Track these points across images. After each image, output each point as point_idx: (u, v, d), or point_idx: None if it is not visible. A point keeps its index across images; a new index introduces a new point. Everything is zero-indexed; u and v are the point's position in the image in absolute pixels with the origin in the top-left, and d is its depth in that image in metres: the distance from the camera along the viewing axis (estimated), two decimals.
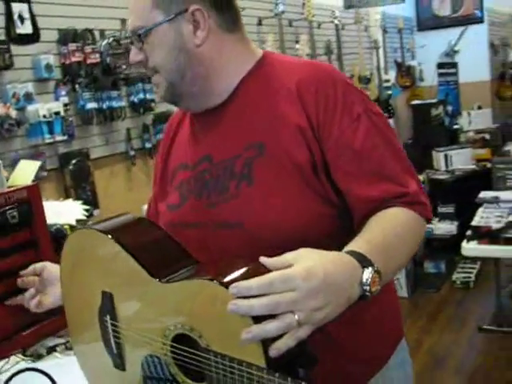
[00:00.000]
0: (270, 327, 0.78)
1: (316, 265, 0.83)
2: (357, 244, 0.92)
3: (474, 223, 3.43)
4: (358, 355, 1.11)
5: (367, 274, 0.86)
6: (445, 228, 4.52)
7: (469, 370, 3.16)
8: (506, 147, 4.47)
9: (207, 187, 1.12)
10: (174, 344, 0.92)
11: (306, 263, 0.82)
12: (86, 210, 2.41)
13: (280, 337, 0.80)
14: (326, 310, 0.82)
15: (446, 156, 5.23)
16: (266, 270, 0.85)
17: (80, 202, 2.48)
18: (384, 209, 1.01)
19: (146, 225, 1.05)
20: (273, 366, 0.81)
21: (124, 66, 3.38)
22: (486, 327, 3.53)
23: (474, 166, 5.12)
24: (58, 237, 1.72)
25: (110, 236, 0.98)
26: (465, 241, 3.41)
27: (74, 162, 3.25)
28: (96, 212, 3.35)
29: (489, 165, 4.91)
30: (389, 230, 0.98)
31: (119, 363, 1.03)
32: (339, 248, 0.93)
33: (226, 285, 0.82)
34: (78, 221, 2.21)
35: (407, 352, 1.25)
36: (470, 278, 4.24)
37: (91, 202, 3.55)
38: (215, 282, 0.84)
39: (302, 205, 1.04)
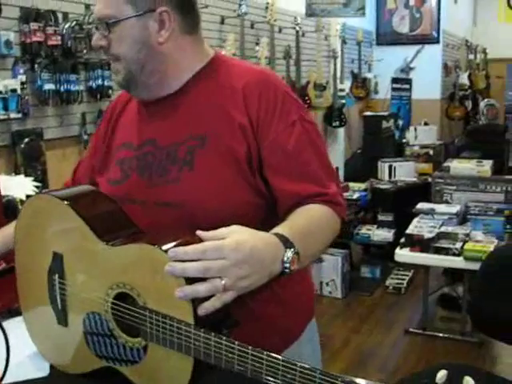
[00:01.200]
0: (200, 288, 0.91)
1: (245, 239, 0.95)
2: (282, 228, 1.05)
3: (408, 231, 3.62)
4: (276, 328, 1.25)
5: (289, 253, 1.00)
6: (382, 235, 4.71)
7: (391, 369, 3.35)
8: (446, 163, 4.70)
9: (150, 168, 1.21)
10: (115, 301, 1.02)
11: (237, 237, 0.95)
12: (37, 187, 2.46)
13: (208, 299, 0.92)
14: (249, 279, 0.94)
15: (390, 167, 5.45)
16: (201, 241, 0.97)
17: (31, 178, 2.53)
18: (306, 204, 1.15)
19: (98, 195, 1.15)
20: (200, 323, 0.93)
21: (85, 51, 3.43)
22: (411, 330, 3.73)
23: (415, 179, 5.35)
24: (9, 207, 1.79)
25: (65, 202, 1.08)
26: (398, 247, 3.60)
27: (26, 140, 3.26)
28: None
29: (429, 179, 5.15)
30: (309, 220, 1.12)
31: (63, 320, 1.12)
32: (266, 231, 1.05)
33: (165, 249, 0.94)
34: (28, 196, 2.27)
35: (316, 331, 1.40)
36: (402, 284, 4.46)
37: (41, 181, 3.56)
38: (156, 246, 0.96)
39: (235, 193, 1.17)
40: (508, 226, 3.87)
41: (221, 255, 0.92)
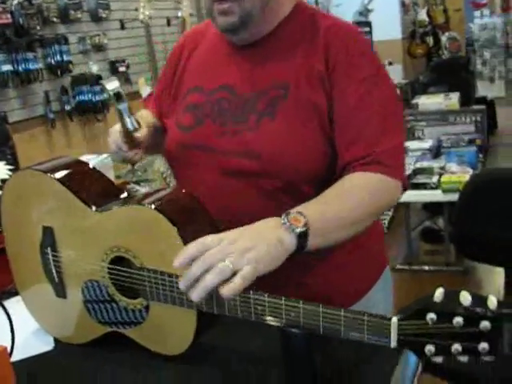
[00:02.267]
0: (207, 279, 0.85)
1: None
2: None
3: None
4: (353, 276, 1.24)
5: (286, 216, 0.94)
6: None
7: None
8: (414, 100, 4.73)
9: (224, 115, 1.18)
10: (112, 266, 1.03)
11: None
12: (10, 170, 2.43)
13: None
14: (256, 248, 0.88)
15: None
16: (187, 194, 0.98)
17: (3, 162, 2.49)
18: (348, 173, 1.09)
19: (81, 164, 1.14)
20: None
21: (38, 27, 3.35)
22: (398, 267, 3.82)
23: None
24: None
25: (49, 174, 1.07)
26: None
27: None
28: None
29: None
30: (332, 193, 1.05)
31: (61, 292, 1.12)
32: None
33: (159, 208, 0.94)
34: (2, 180, 2.24)
35: (390, 278, 1.37)
36: (383, 224, 4.54)
37: (12, 165, 3.51)
38: (146, 206, 0.96)
39: (315, 148, 1.13)
40: (480, 155, 3.95)
41: (216, 243, 0.88)
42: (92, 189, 1.07)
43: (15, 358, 1.07)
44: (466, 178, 3.40)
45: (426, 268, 3.75)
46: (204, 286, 0.85)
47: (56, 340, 1.18)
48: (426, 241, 4.06)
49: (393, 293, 1.40)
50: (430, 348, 0.79)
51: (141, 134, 1.23)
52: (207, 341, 1.03)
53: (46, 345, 1.17)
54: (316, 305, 0.84)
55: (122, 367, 1.05)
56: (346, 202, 1.04)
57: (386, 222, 4.53)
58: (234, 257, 0.86)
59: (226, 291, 0.84)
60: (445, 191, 3.41)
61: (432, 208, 3.99)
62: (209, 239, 0.88)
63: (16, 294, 1.43)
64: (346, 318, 0.82)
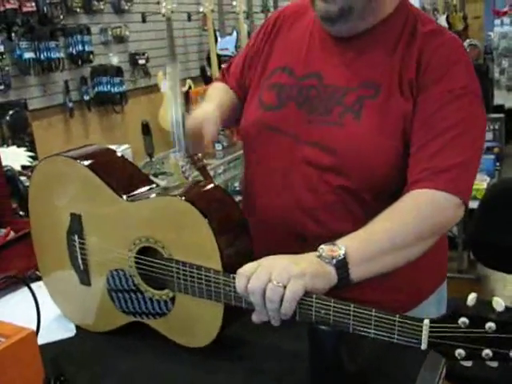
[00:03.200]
0: (269, 309, 0.88)
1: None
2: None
3: None
4: (404, 287, 1.17)
5: (320, 248, 0.92)
6: None
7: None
8: None
9: (311, 103, 1.14)
10: (139, 256, 1.03)
11: None
12: (31, 157, 2.44)
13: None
14: (297, 266, 0.88)
15: None
16: (218, 188, 0.99)
17: (24, 148, 2.51)
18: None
19: (111, 153, 1.14)
20: (227, 269, 0.94)
21: (62, 16, 3.36)
22: None
23: None
24: (9, 178, 1.78)
25: (79, 161, 1.07)
26: None
27: (11, 112, 3.22)
28: (34, 163, 3.35)
29: None
30: (381, 217, 1.00)
31: (85, 279, 1.13)
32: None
33: (190, 200, 0.94)
34: (22, 167, 2.25)
35: (445, 295, 1.33)
36: None
37: (29, 152, 3.52)
38: (178, 197, 0.96)
39: (392, 153, 1.08)
40: (497, 164, 3.92)
41: (253, 269, 0.89)
42: (122, 177, 1.07)
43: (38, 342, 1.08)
44: (484, 185, 3.38)
45: None
46: (272, 314, 0.88)
47: (77, 327, 1.18)
48: None
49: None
50: (460, 352, 0.78)
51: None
52: (231, 334, 1.03)
53: (67, 331, 1.18)
54: (347, 303, 0.84)
55: (143, 357, 1.05)
56: (390, 228, 0.98)
57: None
58: (275, 273, 0.87)
59: (284, 311, 0.87)
60: None
61: None
62: (248, 265, 0.90)
63: (37, 279, 1.44)
64: (377, 318, 0.82)
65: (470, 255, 3.83)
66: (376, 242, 0.96)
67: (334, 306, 0.84)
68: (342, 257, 0.91)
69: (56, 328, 1.19)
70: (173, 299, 1.02)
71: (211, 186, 1.01)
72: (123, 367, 1.04)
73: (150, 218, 1.00)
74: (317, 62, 1.17)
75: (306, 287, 0.86)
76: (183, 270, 0.97)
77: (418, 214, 1.00)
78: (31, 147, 3.53)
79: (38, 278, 1.43)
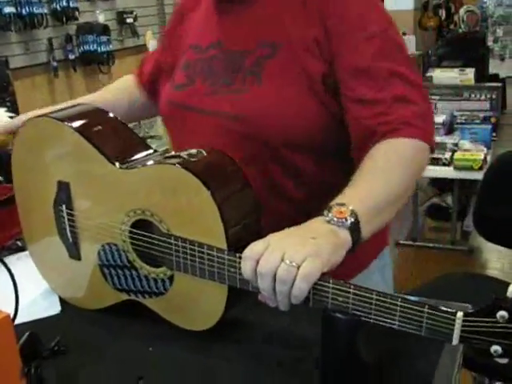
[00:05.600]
0: (279, 291, 0.77)
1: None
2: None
3: None
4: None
5: (328, 213, 0.83)
6: None
7: None
8: (428, 73, 4.59)
9: (214, 73, 1.10)
10: (134, 230, 0.93)
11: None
12: (11, 117, 2.31)
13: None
14: (312, 242, 0.79)
15: None
16: (221, 154, 0.88)
17: (4, 109, 2.37)
18: (375, 142, 0.97)
19: (102, 113, 1.02)
20: (234, 248, 0.84)
21: None
22: (402, 242, 3.75)
23: None
24: None
25: (67, 124, 0.96)
26: None
27: None
28: None
29: None
30: (364, 172, 0.94)
31: (75, 253, 1.03)
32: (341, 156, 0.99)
33: (191, 169, 0.84)
34: None
35: (389, 260, 1.28)
36: None
37: (12, 113, 3.39)
38: (177, 165, 0.85)
39: (305, 112, 1.03)
40: (493, 134, 3.84)
41: (263, 247, 0.79)
42: (115, 142, 0.96)
43: (17, 321, 0.98)
44: (481, 156, 3.31)
45: (431, 245, 3.68)
46: (282, 298, 0.78)
47: (63, 304, 1.09)
48: (433, 217, 3.98)
49: (393, 276, 1.29)
50: (496, 348, 0.70)
51: None
52: (233, 315, 0.94)
53: (52, 308, 1.08)
54: (369, 290, 0.75)
55: (134, 340, 0.96)
56: (384, 181, 0.92)
57: None
58: (289, 253, 0.76)
59: (294, 297, 0.77)
60: (457, 168, 3.32)
61: (440, 184, 3.90)
62: (255, 245, 0.79)
63: (17, 250, 1.34)
64: (403, 309, 0.73)
65: (462, 226, 3.78)
66: (375, 197, 0.89)
67: (354, 293, 0.75)
68: (354, 216, 0.83)
69: (38, 304, 1.09)
70: (171, 278, 0.92)
71: (216, 153, 0.91)
72: (112, 350, 0.94)
73: (146, 189, 0.90)
74: (215, 30, 1.13)
75: (323, 266, 0.77)
76: (183, 248, 0.87)
77: (403, 165, 0.96)
78: (13, 108, 3.40)
79: (20, 249, 1.33)
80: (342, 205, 0.83)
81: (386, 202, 0.91)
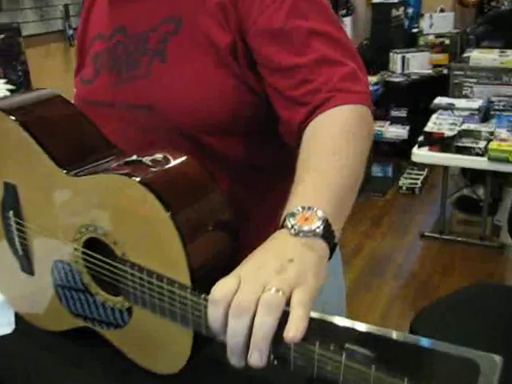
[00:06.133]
0: (260, 325, 0.58)
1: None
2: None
3: (426, 129, 3.33)
4: None
5: (289, 220, 0.66)
6: (395, 132, 4.42)
7: (406, 276, 3.18)
8: (465, 53, 4.31)
9: (119, 62, 0.98)
10: (85, 250, 0.76)
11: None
12: (11, 91, 2.17)
13: None
14: (292, 266, 0.61)
15: (403, 58, 5.06)
16: (198, 166, 0.70)
17: (4, 80, 2.24)
18: (310, 118, 0.83)
19: (62, 104, 0.85)
20: (199, 284, 0.67)
21: None
22: (427, 234, 3.54)
23: (430, 71, 4.98)
24: None
25: (12, 116, 0.79)
26: (416, 146, 3.33)
27: (2, 36, 2.97)
28: None
29: (445, 71, 4.79)
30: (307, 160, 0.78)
31: (27, 267, 0.87)
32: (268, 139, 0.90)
33: (149, 184, 0.66)
34: None
35: (339, 259, 1.15)
36: (416, 184, 4.22)
37: (23, 83, 3.28)
38: (133, 178, 0.68)
39: (217, 89, 0.90)
40: None
41: (235, 283, 0.61)
42: (70, 140, 0.79)
43: None
44: None
45: (458, 239, 3.46)
46: (262, 340, 0.58)
47: (18, 322, 0.93)
48: (462, 210, 3.75)
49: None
50: None
51: None
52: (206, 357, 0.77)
53: (4, 326, 0.93)
54: (366, 362, 0.57)
55: (92, 377, 0.81)
56: (340, 164, 0.75)
57: (419, 182, 4.22)
58: (274, 282, 0.58)
59: (293, 332, 0.56)
60: (491, 159, 3.07)
61: (472, 175, 3.66)
62: (224, 284, 0.61)
63: None
64: None
65: (493, 221, 3.55)
66: (336, 187, 0.73)
67: (346, 365, 0.57)
68: (324, 220, 0.65)
69: None
70: (129, 310, 0.76)
71: (187, 162, 0.73)
72: None
73: (98, 203, 0.73)
74: (118, 16, 1.01)
75: (313, 294, 0.60)
76: (140, 279, 0.70)
77: (351, 139, 0.79)
78: (25, 77, 3.30)
79: None
80: (306, 209, 0.66)
81: (347, 188, 0.75)
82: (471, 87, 3.92)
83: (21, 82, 3.33)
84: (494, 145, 3.12)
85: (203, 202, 0.70)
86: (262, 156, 0.98)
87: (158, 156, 0.72)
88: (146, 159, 0.72)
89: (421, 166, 4.25)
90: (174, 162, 0.71)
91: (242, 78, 0.90)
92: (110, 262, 0.73)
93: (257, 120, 0.94)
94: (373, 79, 4.67)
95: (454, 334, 1.59)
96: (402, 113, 4.52)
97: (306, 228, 0.64)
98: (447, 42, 5.41)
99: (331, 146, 0.77)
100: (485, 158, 3.11)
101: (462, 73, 4.02)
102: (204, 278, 0.67)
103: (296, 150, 0.81)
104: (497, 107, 3.57)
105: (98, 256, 0.74)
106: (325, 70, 0.84)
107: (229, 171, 0.96)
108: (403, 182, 4.26)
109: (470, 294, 1.80)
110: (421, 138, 3.33)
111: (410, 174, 4.37)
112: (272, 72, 0.87)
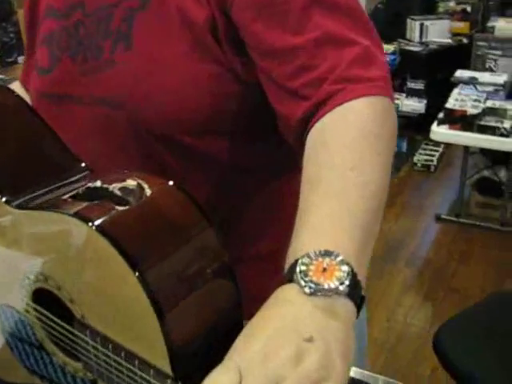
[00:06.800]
0: None
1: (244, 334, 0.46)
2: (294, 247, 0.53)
3: (448, 105, 3.10)
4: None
5: (301, 277, 0.47)
6: (412, 106, 4.18)
7: (421, 263, 3.00)
8: (490, 23, 4.04)
9: (82, 46, 0.79)
10: (35, 305, 0.57)
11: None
12: None
13: None
14: (312, 348, 0.44)
15: (421, 26, 4.78)
16: (183, 198, 0.50)
17: None
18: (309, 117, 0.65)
19: (6, 102, 0.65)
20: (182, 367, 0.48)
21: None
22: (443, 217, 3.34)
23: (449, 40, 4.70)
24: None
25: None
26: (435, 123, 3.10)
27: None
28: (20, 59, 2.96)
29: (465, 40, 4.53)
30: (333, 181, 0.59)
31: None
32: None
33: (111, 233, 0.47)
34: None
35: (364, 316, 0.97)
36: (431, 161, 3.99)
37: (14, 46, 3.08)
38: (89, 224, 0.48)
39: (191, 74, 0.73)
40: None
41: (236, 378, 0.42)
42: (13, 157, 0.59)
43: None
44: None
45: (477, 223, 3.26)
46: None
47: None
48: (481, 192, 3.54)
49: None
50: None
51: None
52: None
53: None
54: None
55: None
56: (362, 181, 0.58)
57: (435, 159, 4.00)
58: (287, 382, 0.41)
59: None
60: None
61: (493, 156, 3.44)
62: (218, 382, 0.41)
63: None
64: None
65: None
66: (357, 215, 0.55)
67: None
68: (348, 270, 0.48)
69: None
70: (95, 382, 0.57)
71: (168, 192, 0.53)
72: None
73: (47, 248, 0.53)
74: None
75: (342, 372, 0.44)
76: (104, 355, 0.51)
77: (373, 144, 0.62)
78: (16, 38, 3.10)
79: None
80: (322, 254, 0.48)
81: (373, 213, 0.56)
82: (495, 60, 3.67)
83: (12, 45, 3.12)
84: None
85: (189, 252, 0.50)
86: (254, 156, 0.80)
87: (130, 183, 0.52)
88: (114, 187, 0.52)
89: (436, 142, 4.02)
90: (150, 195, 0.51)
91: (226, 64, 0.71)
92: (65, 326, 0.54)
93: (245, 114, 0.75)
94: (388, 48, 4.40)
95: (475, 349, 1.43)
96: (419, 85, 4.26)
97: (325, 285, 0.46)
98: (469, 9, 5.11)
99: (348, 158, 0.58)
100: (510, 139, 2.89)
101: (485, 44, 3.78)
102: (190, 361, 0.48)
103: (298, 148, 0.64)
104: None
105: (51, 316, 0.56)
106: (329, 52, 0.65)
107: (211, 174, 0.79)
108: (418, 158, 4.03)
109: (497, 303, 1.62)
110: (441, 115, 3.10)
111: (425, 149, 4.14)
112: (263, 55, 0.68)
